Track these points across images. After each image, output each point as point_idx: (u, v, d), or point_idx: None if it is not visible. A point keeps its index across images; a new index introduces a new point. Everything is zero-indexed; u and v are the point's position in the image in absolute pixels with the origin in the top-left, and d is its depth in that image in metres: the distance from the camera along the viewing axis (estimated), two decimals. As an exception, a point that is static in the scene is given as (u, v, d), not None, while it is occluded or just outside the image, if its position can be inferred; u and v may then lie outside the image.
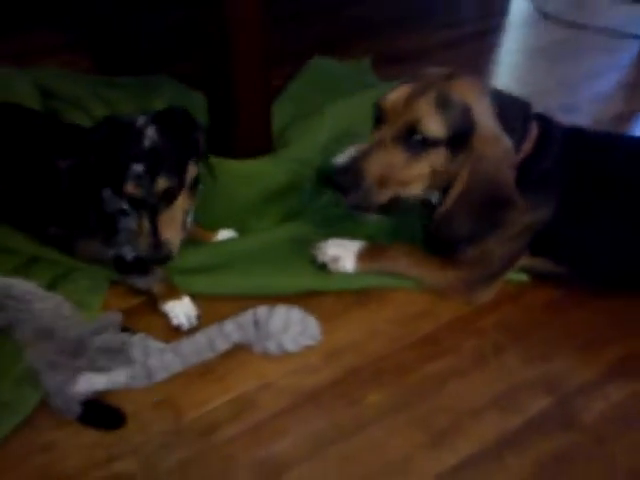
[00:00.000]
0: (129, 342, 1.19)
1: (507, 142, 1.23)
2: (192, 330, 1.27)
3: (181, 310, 1.30)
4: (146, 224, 1.23)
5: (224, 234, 1.52)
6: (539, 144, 1.30)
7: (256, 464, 1.08)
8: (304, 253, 1.46)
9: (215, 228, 1.53)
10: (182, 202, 1.28)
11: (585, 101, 2.21)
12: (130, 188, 1.21)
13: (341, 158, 1.26)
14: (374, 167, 1.23)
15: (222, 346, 1.22)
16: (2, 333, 1.21)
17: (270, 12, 1.56)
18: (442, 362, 1.26)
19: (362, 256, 1.41)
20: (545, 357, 1.28)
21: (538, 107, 2.10)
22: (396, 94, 1.24)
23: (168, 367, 1.18)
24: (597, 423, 1.15)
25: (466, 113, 1.20)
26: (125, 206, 1.27)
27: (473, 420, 1.15)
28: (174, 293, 1.33)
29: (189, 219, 1.37)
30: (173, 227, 1.26)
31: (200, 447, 1.10)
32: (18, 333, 1.19)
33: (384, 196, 1.26)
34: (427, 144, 1.21)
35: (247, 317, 1.25)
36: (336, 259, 1.41)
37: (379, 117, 1.28)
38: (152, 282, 1.34)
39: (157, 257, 1.25)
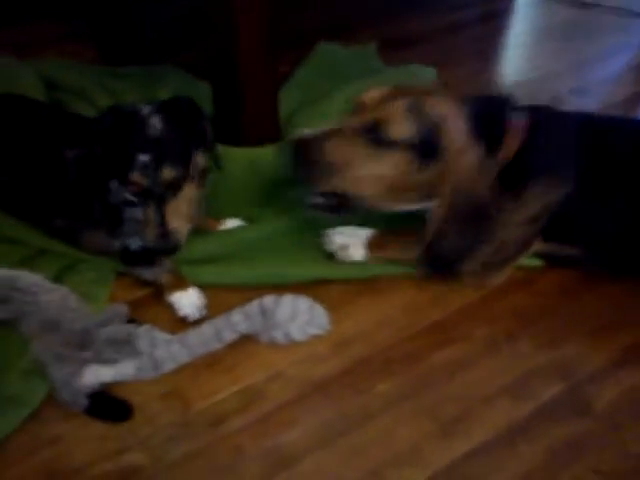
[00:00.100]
0: (135, 334, 1.18)
1: (477, 153, 1.24)
2: (199, 321, 1.26)
3: (188, 301, 1.29)
4: (153, 214, 1.22)
5: (231, 223, 1.51)
6: (531, 134, 1.30)
7: (264, 455, 1.07)
8: (312, 242, 1.44)
9: (222, 217, 1.52)
10: (189, 192, 1.27)
11: (595, 84, 2.18)
12: (136, 178, 1.19)
13: (301, 133, 1.29)
14: (331, 148, 1.26)
15: (229, 336, 1.21)
16: (8, 325, 1.20)
17: (275, -1, 1.54)
18: (452, 350, 1.24)
19: (371, 244, 1.40)
20: (557, 343, 1.26)
21: (548, 91, 2.09)
22: (373, 93, 1.29)
23: (175, 358, 1.18)
24: (609, 409, 1.14)
25: (435, 126, 1.23)
26: (130, 197, 1.26)
27: (484, 408, 1.14)
28: (181, 284, 1.32)
29: (196, 210, 1.35)
30: (180, 217, 1.25)
31: (208, 438, 1.09)
32: (24, 325, 1.18)
33: (335, 184, 1.28)
34: (387, 144, 1.24)
35: (254, 307, 1.23)
36: (344, 247, 1.40)
37: (354, 111, 1.31)
38: (159, 273, 1.33)
39: (164, 247, 1.24)
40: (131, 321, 1.23)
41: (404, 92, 1.27)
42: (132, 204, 1.28)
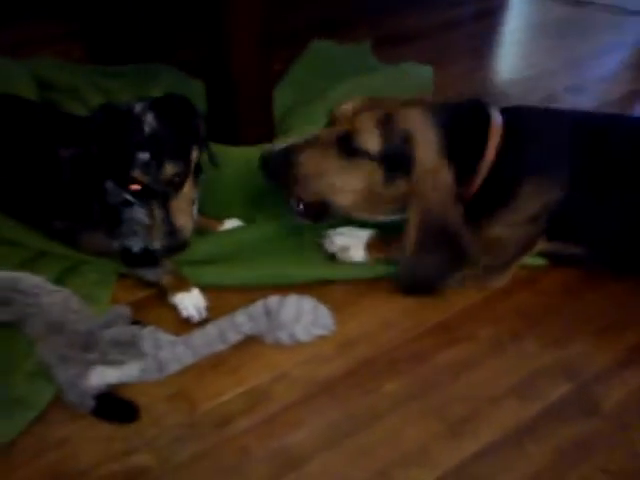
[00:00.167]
0: (139, 335, 1.17)
1: (447, 174, 1.26)
2: (202, 322, 1.25)
3: (190, 302, 1.29)
4: (158, 213, 1.21)
5: (231, 223, 1.51)
6: (509, 136, 1.30)
7: (271, 456, 1.06)
8: (313, 242, 1.44)
9: (221, 218, 1.51)
10: (189, 189, 1.26)
11: (590, 82, 2.19)
12: (137, 176, 1.18)
13: (278, 145, 1.33)
14: (305, 159, 1.29)
15: (233, 337, 1.21)
16: (12, 328, 1.19)
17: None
18: (457, 350, 1.24)
19: (371, 245, 1.40)
20: (562, 343, 1.26)
21: (543, 89, 2.10)
22: (348, 105, 1.31)
23: (180, 359, 1.17)
24: (617, 409, 1.14)
25: (405, 139, 1.25)
26: (129, 197, 1.25)
27: (491, 408, 1.14)
28: (183, 285, 1.31)
29: (195, 209, 1.34)
30: (185, 213, 1.24)
31: (214, 439, 1.09)
32: (28, 327, 1.17)
33: (310, 193, 1.32)
34: (358, 155, 1.26)
35: (258, 307, 1.23)
36: (345, 249, 1.40)
37: (329, 122, 1.34)
38: (161, 274, 1.33)
39: (173, 245, 1.23)
40: (135, 323, 1.22)
41: (378, 104, 1.30)
42: (130, 204, 1.27)
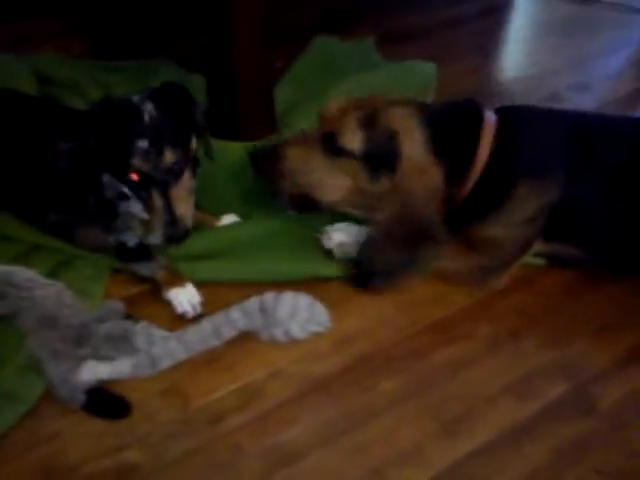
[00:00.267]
0: (132, 330, 1.16)
1: (435, 175, 1.26)
2: (197, 317, 1.24)
3: (185, 297, 1.28)
4: (158, 201, 1.19)
5: (227, 219, 1.50)
6: (503, 137, 1.29)
7: (264, 453, 1.06)
8: (309, 238, 1.43)
9: (217, 213, 1.50)
10: (188, 178, 1.24)
11: (596, 80, 2.17)
12: (137, 164, 1.17)
13: (265, 141, 1.38)
14: (291, 155, 1.32)
15: (228, 333, 1.20)
16: (4, 321, 1.18)
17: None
18: (455, 349, 1.23)
19: None
20: (560, 343, 1.25)
21: (548, 87, 2.08)
22: (335, 104, 1.33)
23: (172, 355, 1.16)
24: (614, 409, 1.13)
25: (390, 138, 1.25)
26: (126, 190, 1.24)
27: (488, 407, 1.13)
28: (177, 280, 1.30)
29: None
30: (185, 202, 1.23)
31: (207, 436, 1.08)
32: (21, 321, 1.16)
33: (295, 187, 1.34)
34: (343, 154, 1.28)
35: (253, 304, 1.22)
36: (342, 245, 1.38)
37: (318, 121, 1.36)
38: (155, 269, 1.32)
39: (175, 234, 1.21)
40: (128, 318, 1.21)
41: (365, 103, 1.30)
42: (127, 198, 1.26)
